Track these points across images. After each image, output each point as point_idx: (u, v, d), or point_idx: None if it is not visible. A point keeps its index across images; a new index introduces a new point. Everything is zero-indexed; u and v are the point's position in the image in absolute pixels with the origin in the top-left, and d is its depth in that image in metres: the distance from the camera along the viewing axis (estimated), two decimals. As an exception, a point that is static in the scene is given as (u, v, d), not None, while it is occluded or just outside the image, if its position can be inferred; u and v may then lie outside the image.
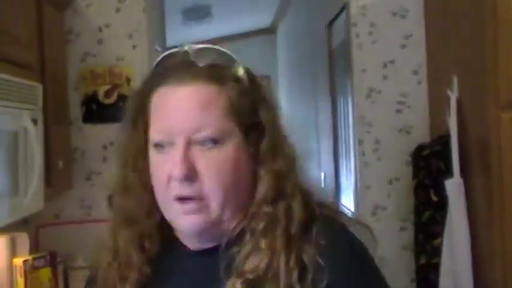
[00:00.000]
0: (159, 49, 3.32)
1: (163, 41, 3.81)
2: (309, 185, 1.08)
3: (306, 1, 5.10)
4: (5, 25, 1.77)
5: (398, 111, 2.84)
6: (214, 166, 0.99)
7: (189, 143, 0.99)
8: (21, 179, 1.89)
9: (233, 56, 1.07)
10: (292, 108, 6.40)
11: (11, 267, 2.36)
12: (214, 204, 1.00)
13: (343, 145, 3.94)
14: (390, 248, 2.82)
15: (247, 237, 1.01)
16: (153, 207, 1.07)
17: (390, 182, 2.84)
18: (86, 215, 2.84)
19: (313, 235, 1.00)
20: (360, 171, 2.90)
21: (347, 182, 3.85)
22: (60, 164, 2.42)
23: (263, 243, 0.99)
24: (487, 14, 2.10)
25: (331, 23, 3.98)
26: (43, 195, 2.07)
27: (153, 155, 1.04)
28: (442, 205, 2.40)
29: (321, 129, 4.66)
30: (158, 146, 1.02)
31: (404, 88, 2.84)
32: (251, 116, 1.03)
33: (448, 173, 2.33)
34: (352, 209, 3.53)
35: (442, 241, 2.38)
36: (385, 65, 2.85)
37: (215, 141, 0.99)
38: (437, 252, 2.41)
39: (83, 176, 2.87)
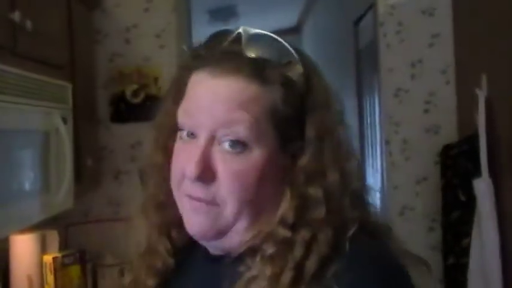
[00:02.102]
0: (186, 49, 3.33)
1: (190, 41, 3.82)
2: (361, 213, 0.93)
3: (332, 0, 5.09)
4: (38, 25, 1.79)
5: (426, 110, 2.83)
6: (236, 173, 0.85)
7: (212, 140, 0.86)
8: (53, 177, 1.92)
9: (296, 50, 0.91)
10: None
11: (41, 264, 2.39)
12: (228, 213, 0.87)
13: (370, 144, 3.93)
14: (418, 248, 2.76)
15: (258, 258, 0.86)
16: None
17: (418, 182, 2.83)
18: (114, 214, 2.86)
19: (331, 272, 0.81)
20: (387, 171, 2.89)
21: (373, 182, 3.84)
22: (89, 162, 2.44)
23: (268, 271, 0.83)
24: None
25: (358, 22, 3.97)
26: (73, 193, 2.09)
27: (177, 141, 0.92)
28: (470, 205, 2.38)
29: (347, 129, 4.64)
30: (181, 131, 0.90)
31: (432, 87, 2.83)
32: (295, 125, 0.88)
33: (476, 172, 2.32)
34: (379, 209, 3.52)
35: (470, 241, 2.37)
36: (412, 65, 2.84)
37: (243, 144, 0.85)
38: (465, 252, 2.40)
39: (111, 174, 2.90)
